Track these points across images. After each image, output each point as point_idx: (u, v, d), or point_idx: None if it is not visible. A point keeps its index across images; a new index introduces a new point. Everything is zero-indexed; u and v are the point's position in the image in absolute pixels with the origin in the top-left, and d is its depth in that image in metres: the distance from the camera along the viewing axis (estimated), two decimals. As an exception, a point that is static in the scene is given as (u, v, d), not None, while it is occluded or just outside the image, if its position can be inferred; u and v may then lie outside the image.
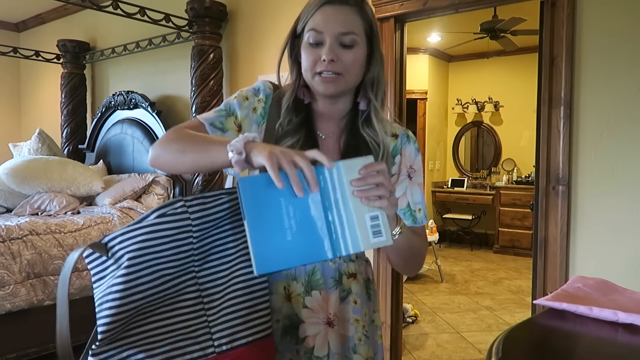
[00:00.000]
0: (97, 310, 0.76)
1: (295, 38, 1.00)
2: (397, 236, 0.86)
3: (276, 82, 1.06)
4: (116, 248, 0.76)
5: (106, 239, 0.77)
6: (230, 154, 0.76)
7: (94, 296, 0.78)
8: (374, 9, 1.03)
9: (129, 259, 0.75)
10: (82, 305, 2.66)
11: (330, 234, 0.73)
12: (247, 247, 0.81)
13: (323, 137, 1.02)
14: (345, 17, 0.93)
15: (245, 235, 0.77)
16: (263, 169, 0.72)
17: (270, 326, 0.88)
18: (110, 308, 0.74)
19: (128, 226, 0.77)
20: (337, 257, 0.75)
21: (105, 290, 0.75)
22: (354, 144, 0.99)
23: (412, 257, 0.99)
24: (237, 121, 0.99)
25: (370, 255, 2.28)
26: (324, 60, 0.93)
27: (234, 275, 0.85)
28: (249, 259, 0.75)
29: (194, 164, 0.88)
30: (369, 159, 0.76)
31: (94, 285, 0.78)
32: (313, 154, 0.73)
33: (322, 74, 0.94)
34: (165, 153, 0.91)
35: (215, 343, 0.82)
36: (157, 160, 0.93)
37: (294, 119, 0.99)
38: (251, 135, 0.79)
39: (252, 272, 0.79)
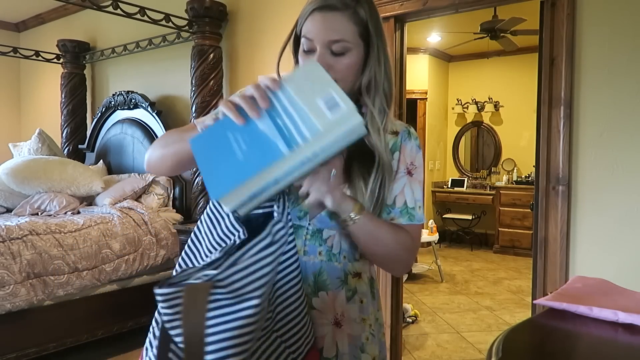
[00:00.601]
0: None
1: (296, 39, 0.99)
2: (353, 222, 0.88)
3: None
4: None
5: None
6: (199, 127, 0.81)
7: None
8: (375, 8, 0.98)
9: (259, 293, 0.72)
10: (83, 305, 2.68)
11: (282, 134, 0.69)
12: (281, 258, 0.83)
13: None
14: (334, 24, 0.90)
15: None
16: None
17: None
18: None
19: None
20: (294, 149, 0.68)
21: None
22: (357, 149, 0.97)
23: (382, 246, 0.94)
24: None
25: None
26: None
27: (280, 286, 0.87)
28: (285, 271, 0.82)
29: (177, 154, 0.92)
30: (311, 65, 0.77)
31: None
32: (260, 78, 0.76)
33: None
34: (153, 153, 0.98)
35: (295, 354, 0.84)
36: (148, 162, 0.99)
37: None
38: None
39: (291, 280, 0.84)
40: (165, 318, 0.73)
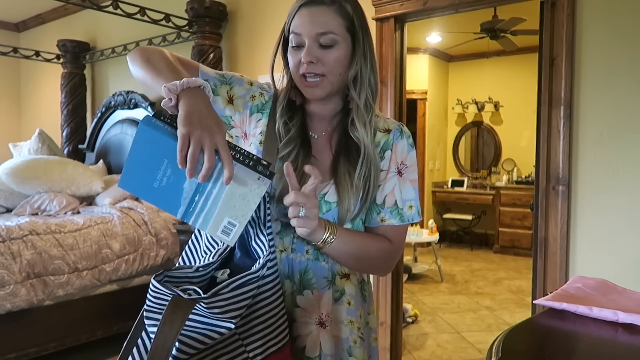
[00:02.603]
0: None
1: (285, 40, 1.00)
2: (329, 243, 0.90)
3: (271, 81, 1.07)
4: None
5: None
6: (164, 93, 0.78)
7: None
8: (359, 5, 1.00)
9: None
10: (83, 305, 2.67)
11: (189, 206, 0.78)
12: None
13: (315, 136, 1.03)
14: (322, 18, 0.92)
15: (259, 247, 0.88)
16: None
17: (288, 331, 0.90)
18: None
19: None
20: (184, 219, 0.79)
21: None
22: (344, 144, 0.99)
23: (359, 261, 0.98)
24: (230, 92, 1.01)
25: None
26: (304, 63, 0.93)
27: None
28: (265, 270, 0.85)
29: (145, 80, 0.90)
30: (259, 190, 0.78)
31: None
32: (226, 162, 0.74)
33: (306, 78, 0.95)
34: (137, 57, 0.92)
35: (250, 355, 0.83)
36: (132, 60, 0.93)
37: (287, 121, 1.00)
38: (197, 81, 0.80)
39: (270, 281, 0.86)
40: (148, 305, 0.81)
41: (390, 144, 1.01)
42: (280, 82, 1.04)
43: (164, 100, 0.79)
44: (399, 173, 1.00)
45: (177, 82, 0.79)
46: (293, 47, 0.96)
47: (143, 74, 0.90)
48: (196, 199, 0.78)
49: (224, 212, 0.78)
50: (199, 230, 0.95)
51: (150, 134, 0.76)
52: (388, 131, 1.02)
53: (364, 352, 1.01)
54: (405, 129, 1.04)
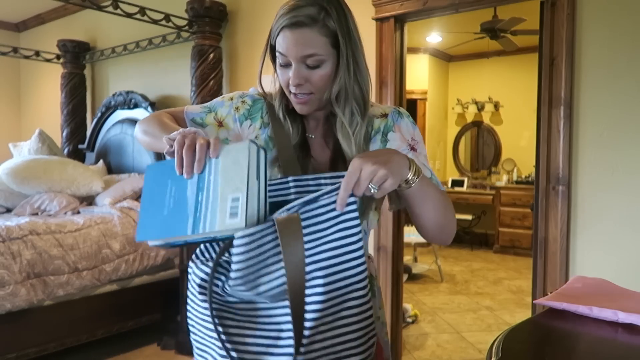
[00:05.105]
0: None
1: (272, 48, 0.99)
2: (413, 184, 0.82)
3: (261, 90, 1.09)
4: None
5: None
6: (167, 146, 0.85)
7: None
8: (349, 11, 0.97)
9: None
10: (83, 305, 2.67)
11: (195, 212, 0.78)
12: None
13: (313, 137, 1.05)
14: (305, 40, 0.91)
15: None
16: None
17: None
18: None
19: None
20: (197, 231, 0.77)
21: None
22: (340, 144, 1.00)
23: (444, 207, 0.91)
24: (217, 117, 1.06)
25: (370, 251, 2.28)
26: (292, 85, 0.95)
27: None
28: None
29: (151, 147, 1.02)
30: (244, 145, 0.79)
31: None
32: (211, 141, 0.80)
33: (296, 95, 0.96)
34: (138, 131, 1.06)
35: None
36: (136, 135, 1.08)
37: (287, 126, 1.02)
38: (190, 130, 0.86)
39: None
40: (239, 259, 0.76)
41: (392, 126, 1.01)
42: (272, 85, 1.05)
43: (166, 148, 0.85)
44: (413, 149, 0.99)
45: (175, 132, 0.85)
46: (281, 65, 0.96)
47: (147, 144, 1.04)
48: (199, 198, 0.79)
49: (226, 192, 0.78)
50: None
51: (153, 169, 0.85)
52: (385, 115, 1.02)
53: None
54: (402, 110, 1.04)
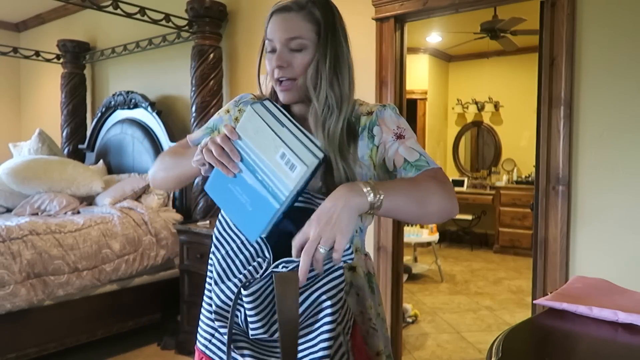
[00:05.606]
0: None
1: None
2: (379, 204, 0.81)
3: (258, 92, 1.09)
4: None
5: None
6: (194, 164, 0.92)
7: None
8: (337, 12, 1.00)
9: None
10: (83, 305, 2.68)
11: (267, 189, 0.83)
12: None
13: None
14: (291, 23, 0.95)
15: None
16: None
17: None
18: None
19: None
20: (283, 203, 0.81)
21: None
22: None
23: (423, 200, 0.88)
24: (220, 132, 1.07)
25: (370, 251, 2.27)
26: (275, 67, 0.96)
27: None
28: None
29: (178, 177, 1.08)
30: (250, 113, 0.85)
31: None
32: (224, 131, 0.86)
33: (281, 82, 0.98)
34: (156, 175, 1.12)
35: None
36: (153, 182, 1.15)
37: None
38: (203, 142, 0.90)
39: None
40: (251, 306, 0.83)
41: (375, 121, 1.01)
42: (265, 84, 1.06)
43: (203, 169, 0.92)
44: (400, 137, 0.99)
45: (195, 153, 0.93)
46: (269, 52, 0.99)
47: (174, 177, 1.10)
48: (259, 177, 0.83)
49: (271, 157, 0.82)
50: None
51: (210, 188, 0.90)
52: (371, 113, 1.03)
53: (379, 342, 1.03)
54: (388, 104, 1.05)
